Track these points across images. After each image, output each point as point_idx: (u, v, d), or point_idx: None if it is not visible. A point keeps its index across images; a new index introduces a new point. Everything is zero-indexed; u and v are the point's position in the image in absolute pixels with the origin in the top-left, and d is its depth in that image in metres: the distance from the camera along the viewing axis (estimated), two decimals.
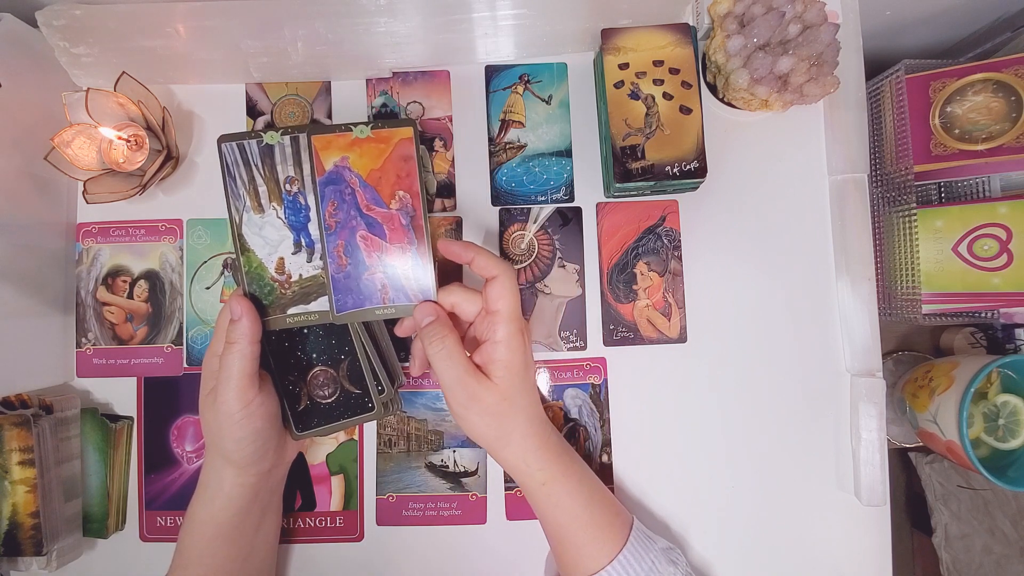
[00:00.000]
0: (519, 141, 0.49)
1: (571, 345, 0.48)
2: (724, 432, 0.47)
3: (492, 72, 0.50)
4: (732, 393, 0.48)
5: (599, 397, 0.48)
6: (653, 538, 0.41)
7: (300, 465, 0.47)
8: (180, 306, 0.48)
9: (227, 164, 0.39)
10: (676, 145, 0.42)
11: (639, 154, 0.42)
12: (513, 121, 0.49)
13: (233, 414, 0.36)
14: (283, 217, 0.39)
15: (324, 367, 0.41)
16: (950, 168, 0.53)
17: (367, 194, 0.39)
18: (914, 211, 0.54)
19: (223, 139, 0.39)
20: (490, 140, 0.49)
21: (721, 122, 0.48)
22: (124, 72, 0.44)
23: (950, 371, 0.58)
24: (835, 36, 0.42)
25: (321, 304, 0.39)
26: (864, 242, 0.46)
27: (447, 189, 0.49)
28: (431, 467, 0.47)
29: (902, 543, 0.85)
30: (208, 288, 0.48)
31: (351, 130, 0.39)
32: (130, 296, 0.48)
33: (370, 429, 0.48)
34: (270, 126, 0.49)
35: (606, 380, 0.48)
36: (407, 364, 0.43)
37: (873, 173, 0.57)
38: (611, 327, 0.48)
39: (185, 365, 0.48)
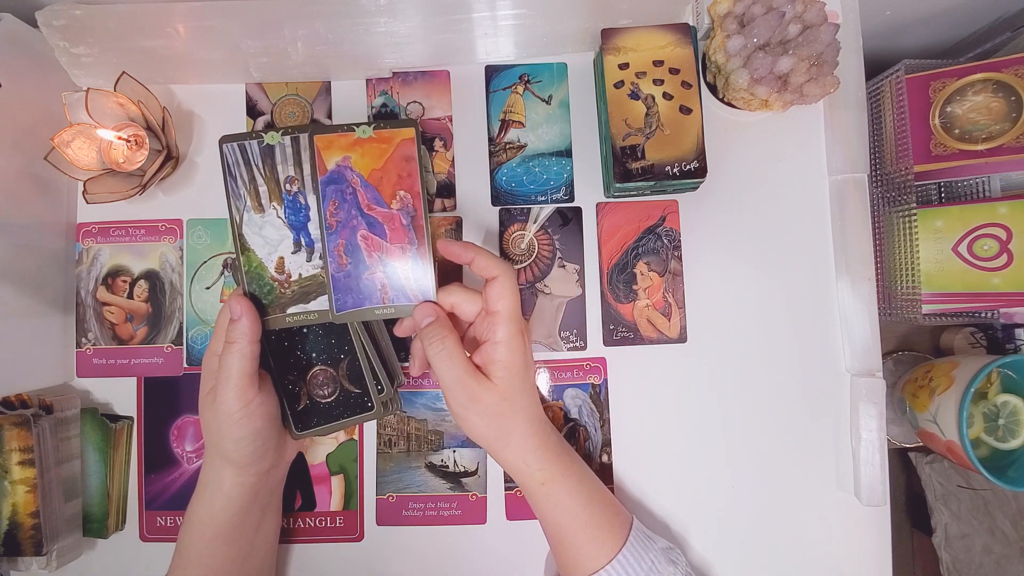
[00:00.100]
0: (519, 141, 0.49)
1: (571, 345, 0.48)
2: (724, 432, 0.47)
3: (492, 72, 0.50)
4: (732, 393, 0.48)
5: (599, 397, 0.48)
6: (653, 538, 0.41)
7: (300, 465, 0.47)
8: (180, 306, 0.48)
9: (228, 164, 0.39)
10: (676, 145, 0.42)
11: (639, 154, 0.42)
12: (513, 121, 0.49)
13: (233, 414, 0.36)
14: (283, 217, 0.39)
15: (324, 366, 0.41)
16: (950, 168, 0.53)
17: (368, 194, 0.39)
18: (914, 211, 0.54)
19: (224, 139, 0.39)
20: (490, 140, 0.49)
21: (721, 122, 0.48)
22: (124, 72, 0.44)
23: (950, 371, 0.58)
24: (835, 36, 0.42)
25: (320, 303, 0.39)
26: (864, 242, 0.46)
27: (447, 189, 0.49)
28: (431, 467, 0.47)
29: (902, 543, 0.85)
30: (208, 288, 0.48)
31: (353, 130, 0.39)
32: (130, 296, 0.48)
33: (370, 429, 0.48)
34: (270, 126, 0.49)
35: (606, 380, 0.48)
36: (407, 364, 0.43)
37: (873, 173, 0.57)
38: (611, 327, 0.48)
39: (185, 365, 0.48)
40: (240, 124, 0.49)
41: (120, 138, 0.45)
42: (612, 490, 0.47)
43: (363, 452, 0.48)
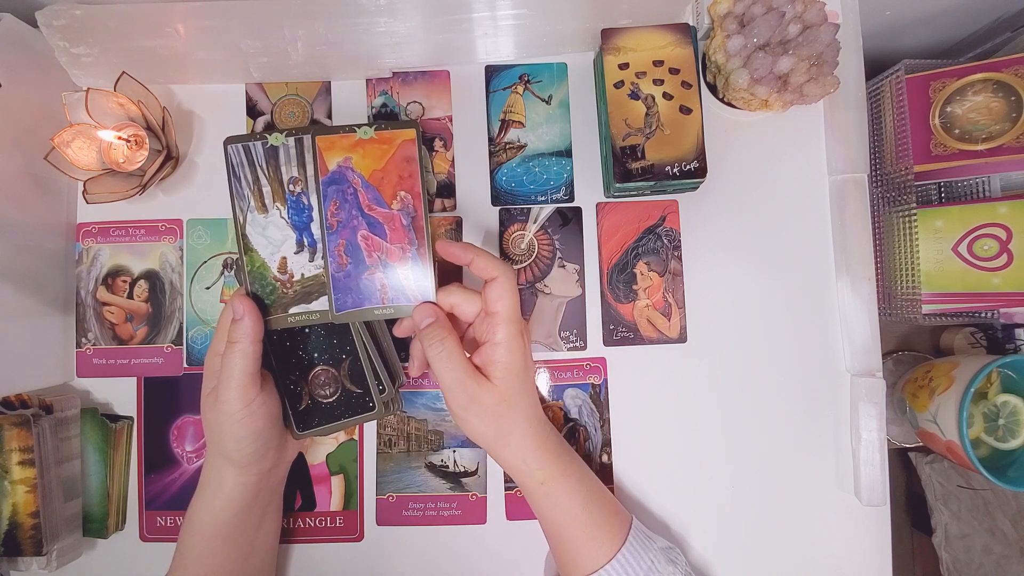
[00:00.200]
0: (519, 141, 0.49)
1: (571, 345, 0.48)
2: (724, 432, 0.48)
3: (492, 72, 0.50)
4: (732, 393, 0.48)
5: (599, 397, 0.48)
6: (652, 537, 0.41)
7: (300, 465, 0.47)
8: (180, 306, 0.48)
9: (232, 165, 0.39)
10: (676, 145, 0.42)
11: (639, 154, 0.42)
12: (513, 121, 0.49)
13: (234, 413, 0.36)
14: (286, 217, 0.39)
15: (325, 366, 0.41)
16: (950, 168, 0.54)
17: (369, 194, 0.39)
18: (914, 211, 0.54)
19: (229, 141, 0.39)
20: (490, 140, 0.49)
21: (721, 122, 0.48)
22: (124, 72, 0.44)
23: (950, 371, 0.58)
24: (835, 36, 0.42)
25: (322, 304, 0.39)
26: (864, 242, 0.47)
27: (447, 189, 0.49)
28: (431, 467, 0.47)
29: (902, 543, 0.85)
30: (208, 288, 0.48)
31: (355, 131, 0.39)
32: (130, 296, 0.48)
33: (370, 429, 0.48)
34: (270, 126, 0.49)
35: (606, 380, 0.48)
36: (406, 364, 0.43)
37: (873, 173, 0.57)
38: (611, 327, 0.48)
39: (185, 365, 0.48)
40: (240, 124, 0.49)
41: (120, 138, 0.45)
42: (612, 490, 0.47)
43: (363, 452, 0.48)
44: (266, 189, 0.39)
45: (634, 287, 0.48)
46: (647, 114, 0.42)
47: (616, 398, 0.48)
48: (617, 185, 0.43)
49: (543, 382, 0.48)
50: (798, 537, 0.47)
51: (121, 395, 0.48)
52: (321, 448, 0.48)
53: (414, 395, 0.48)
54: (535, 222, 0.49)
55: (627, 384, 0.48)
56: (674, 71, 0.43)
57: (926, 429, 0.60)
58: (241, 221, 0.39)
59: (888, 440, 0.72)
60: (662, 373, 0.48)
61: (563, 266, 0.48)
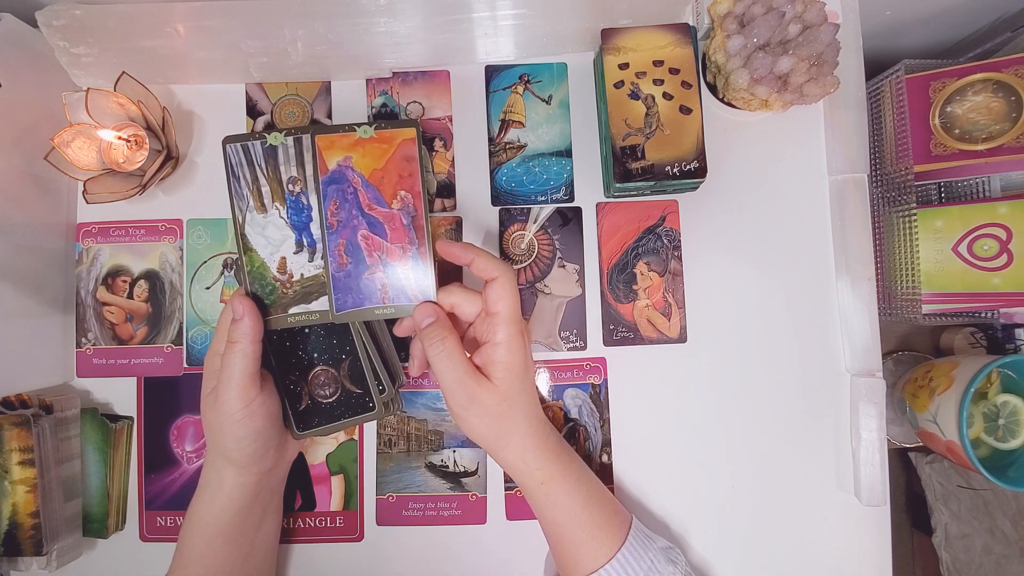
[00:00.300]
0: (519, 141, 0.49)
1: (571, 345, 0.48)
2: (724, 432, 0.47)
3: (492, 72, 0.50)
4: (732, 393, 0.48)
5: (599, 397, 0.48)
6: (652, 537, 0.41)
7: (300, 465, 0.47)
8: (180, 306, 0.48)
9: (231, 165, 0.39)
10: (676, 145, 0.42)
11: (639, 154, 0.42)
12: (513, 121, 0.49)
13: (234, 413, 0.36)
14: (285, 217, 0.39)
15: (325, 367, 0.41)
16: (950, 168, 0.54)
17: (369, 194, 0.39)
18: (914, 211, 0.54)
19: (228, 140, 0.39)
20: (490, 140, 0.49)
21: (721, 122, 0.48)
22: (124, 72, 0.44)
23: (950, 371, 0.58)
24: (835, 36, 0.42)
25: (322, 304, 0.39)
26: (864, 242, 0.47)
27: (447, 189, 0.49)
28: (431, 467, 0.47)
29: (902, 543, 0.85)
30: (208, 288, 0.48)
31: (355, 130, 0.39)
32: (130, 296, 0.48)
33: (370, 429, 0.48)
34: (270, 126, 0.49)
35: (606, 380, 0.48)
36: (406, 364, 0.43)
37: (873, 173, 0.57)
38: (611, 327, 0.48)
39: (185, 365, 0.48)
40: (240, 124, 0.49)
41: (120, 138, 0.45)
42: (612, 490, 0.47)
43: (363, 452, 0.48)
44: (265, 189, 0.39)
45: (634, 287, 0.48)
46: (647, 114, 0.42)
47: (616, 398, 0.48)
48: (617, 185, 0.43)
49: (543, 382, 0.48)
50: (798, 537, 0.47)
51: (121, 395, 0.48)
52: (321, 448, 0.48)
53: (414, 395, 0.48)
54: (535, 222, 0.49)
55: (627, 384, 0.48)
56: (674, 71, 0.43)
57: (926, 429, 0.60)
58: (240, 221, 0.39)
59: (888, 440, 0.72)
60: (662, 373, 0.48)
61: (563, 266, 0.48)
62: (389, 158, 0.39)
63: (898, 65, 0.55)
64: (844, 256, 0.47)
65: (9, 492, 0.42)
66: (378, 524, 0.47)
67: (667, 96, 0.42)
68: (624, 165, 0.42)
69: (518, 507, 0.47)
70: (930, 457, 0.79)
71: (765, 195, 0.49)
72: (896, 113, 0.55)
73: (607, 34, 0.43)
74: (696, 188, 0.47)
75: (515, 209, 0.49)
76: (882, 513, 0.47)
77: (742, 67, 0.43)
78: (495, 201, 0.49)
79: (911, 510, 0.85)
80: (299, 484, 0.47)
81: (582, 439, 0.48)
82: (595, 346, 0.48)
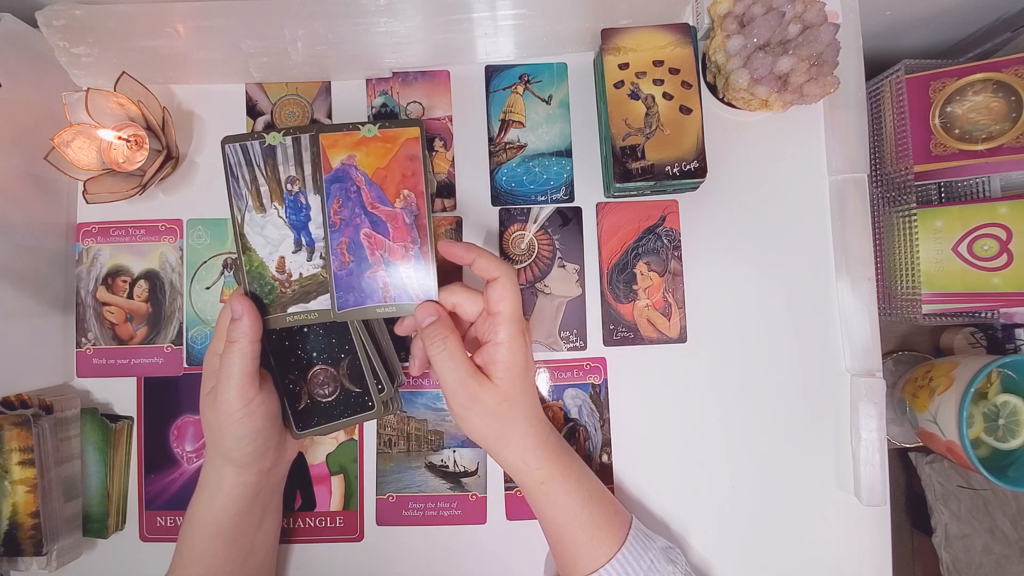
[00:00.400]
0: (519, 141, 0.49)
1: (571, 345, 0.48)
2: (724, 432, 0.47)
3: (492, 72, 0.50)
4: (732, 393, 0.48)
5: (599, 397, 0.48)
6: (652, 537, 0.41)
7: (300, 465, 0.47)
8: (180, 306, 0.48)
9: (230, 165, 0.39)
10: (676, 145, 0.42)
11: (639, 154, 0.42)
12: (513, 121, 0.49)
13: (233, 413, 0.36)
14: (284, 216, 0.39)
15: (324, 366, 0.41)
16: (950, 168, 0.54)
17: (372, 192, 0.39)
18: (914, 211, 0.54)
19: (227, 140, 0.39)
20: (490, 140, 0.49)
21: (721, 122, 0.48)
22: (124, 72, 0.44)
23: (950, 371, 0.58)
24: (835, 36, 0.42)
25: (321, 303, 0.39)
26: (864, 242, 0.47)
27: (447, 189, 0.49)
28: (431, 467, 0.47)
29: (902, 543, 0.85)
30: (208, 288, 0.48)
31: (359, 129, 0.39)
32: (130, 296, 0.48)
33: (370, 429, 0.48)
34: (270, 126, 0.49)
35: (606, 380, 0.48)
36: (407, 364, 0.43)
37: (873, 173, 0.57)
38: (611, 327, 0.48)
39: (185, 365, 0.48)
40: (240, 124, 0.49)
41: (120, 138, 0.45)
42: (612, 490, 0.47)
43: (363, 452, 0.48)
44: (264, 188, 0.39)
45: (634, 287, 0.48)
46: (647, 114, 0.42)
47: (616, 398, 0.48)
48: (617, 185, 0.43)
49: (543, 382, 0.48)
50: (798, 537, 0.47)
51: (121, 395, 0.48)
52: (321, 448, 0.48)
53: (414, 395, 0.48)
54: (535, 222, 0.49)
55: (627, 384, 0.48)
56: (674, 71, 0.43)
57: (926, 429, 0.60)
58: (239, 220, 0.39)
59: (888, 440, 0.72)
60: (662, 373, 0.48)
61: (563, 266, 0.48)
62: (393, 157, 0.39)
63: (898, 65, 0.55)
64: (844, 256, 0.47)
65: (9, 492, 0.42)
66: (378, 524, 0.47)
67: (667, 96, 0.42)
68: (624, 165, 0.42)
69: (518, 507, 0.47)
70: (930, 457, 0.79)
71: (765, 195, 0.49)
72: (896, 113, 0.55)
73: (607, 34, 0.43)
74: (696, 188, 0.47)
75: (515, 209, 0.49)
76: (882, 513, 0.47)
77: (742, 67, 0.43)
78: (495, 201, 0.49)
79: (911, 510, 0.85)
80: (299, 484, 0.47)
81: (582, 439, 0.48)
82: (595, 346, 0.48)
